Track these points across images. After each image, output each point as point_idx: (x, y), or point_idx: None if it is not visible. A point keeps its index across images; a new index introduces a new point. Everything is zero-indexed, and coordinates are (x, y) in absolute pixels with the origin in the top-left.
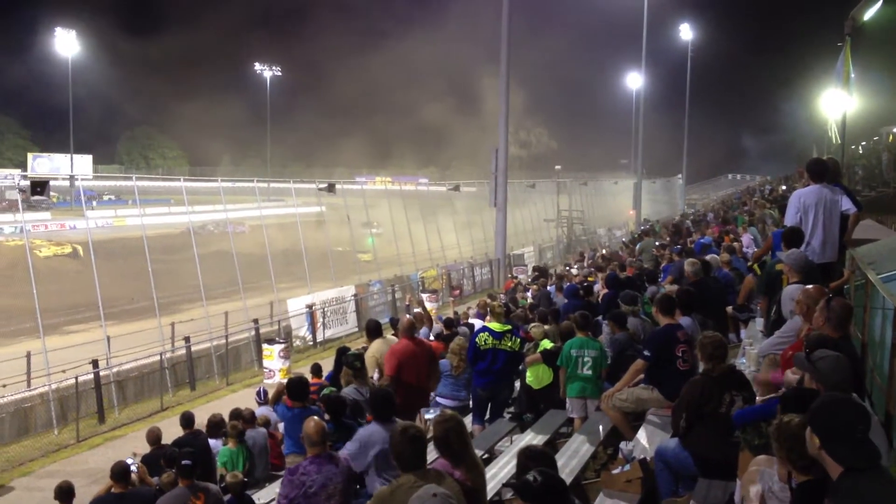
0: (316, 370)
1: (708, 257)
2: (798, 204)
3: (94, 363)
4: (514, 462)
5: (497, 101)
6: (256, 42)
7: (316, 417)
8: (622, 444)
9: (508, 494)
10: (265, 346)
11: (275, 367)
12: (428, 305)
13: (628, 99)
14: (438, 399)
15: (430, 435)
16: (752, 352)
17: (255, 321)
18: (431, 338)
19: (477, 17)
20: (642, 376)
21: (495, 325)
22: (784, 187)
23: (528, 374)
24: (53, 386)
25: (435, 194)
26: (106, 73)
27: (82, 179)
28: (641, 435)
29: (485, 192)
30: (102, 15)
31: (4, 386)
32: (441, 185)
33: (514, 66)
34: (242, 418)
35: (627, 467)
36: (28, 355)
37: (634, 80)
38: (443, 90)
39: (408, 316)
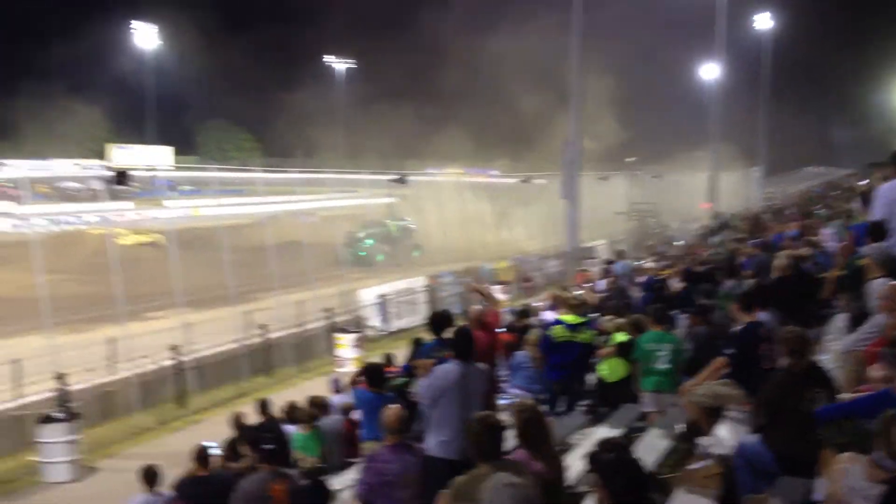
0: (388, 359)
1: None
2: (885, 198)
3: (174, 349)
4: (588, 454)
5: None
6: (331, 34)
7: (395, 406)
8: (701, 440)
9: (583, 486)
10: (337, 335)
11: (347, 355)
12: (500, 297)
13: (703, 90)
14: (514, 390)
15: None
16: (834, 348)
17: (328, 310)
18: (503, 330)
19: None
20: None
21: (570, 317)
22: (866, 181)
23: (602, 367)
24: (136, 371)
25: (506, 186)
26: (185, 66)
27: (162, 170)
28: (721, 430)
29: (556, 184)
30: (181, 9)
31: (89, 370)
32: (512, 176)
33: (585, 57)
34: (317, 405)
35: (706, 463)
36: (111, 341)
37: (710, 71)
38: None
39: (476, 307)
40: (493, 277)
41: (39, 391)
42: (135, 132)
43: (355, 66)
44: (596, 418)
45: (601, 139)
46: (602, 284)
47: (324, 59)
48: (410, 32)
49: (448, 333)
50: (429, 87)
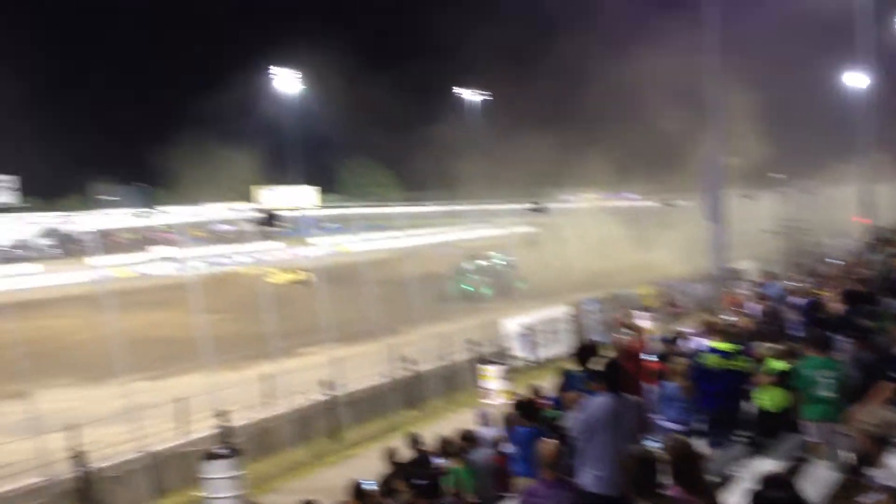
0: (536, 391)
1: None
2: None
3: (326, 385)
4: (746, 488)
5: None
6: (465, 67)
7: (551, 441)
8: (870, 471)
9: None
10: (483, 366)
11: (494, 387)
12: (646, 324)
13: (847, 99)
14: (665, 423)
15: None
16: None
17: (472, 342)
18: (653, 358)
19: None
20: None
21: (723, 345)
22: None
23: (761, 396)
24: (291, 407)
25: (646, 209)
26: (325, 106)
27: (307, 209)
28: (892, 460)
29: (698, 204)
30: (318, 52)
31: (248, 407)
32: (652, 199)
33: (724, 73)
34: (468, 439)
35: (878, 496)
36: (266, 377)
37: (856, 79)
38: (652, 102)
39: (622, 337)
40: (639, 304)
41: (203, 428)
42: (281, 174)
43: (490, 98)
44: (755, 449)
45: (744, 156)
46: (755, 308)
47: (457, 92)
48: (543, 62)
49: (594, 364)
50: (564, 114)
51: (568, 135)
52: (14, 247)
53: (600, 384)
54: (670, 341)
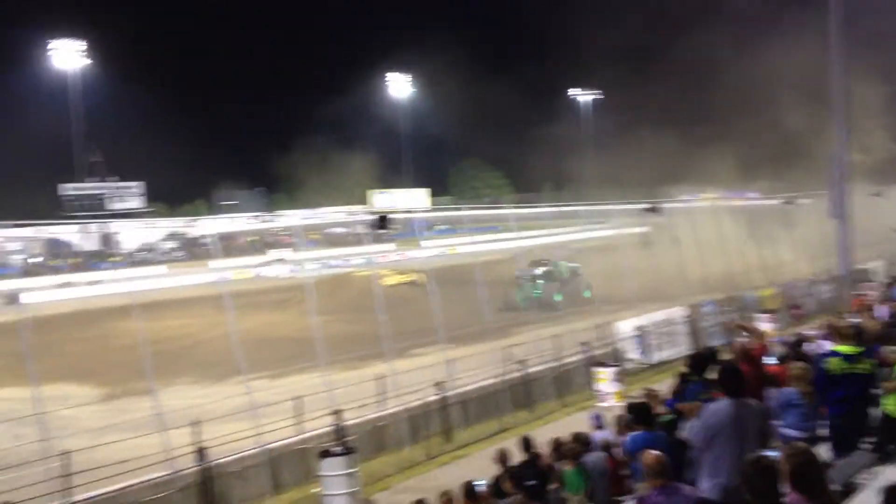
0: (650, 395)
1: None
2: None
3: (439, 385)
4: (874, 498)
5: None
6: (577, 68)
7: (655, 452)
8: None
9: None
10: (596, 369)
11: (607, 390)
12: (766, 327)
13: None
14: (785, 430)
15: None
16: None
17: (585, 344)
18: (774, 361)
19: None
20: None
21: (846, 348)
22: None
23: (888, 401)
24: (404, 406)
25: (767, 208)
26: (437, 110)
27: (419, 212)
28: None
29: (823, 203)
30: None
31: (362, 406)
32: (774, 198)
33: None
34: (581, 441)
35: None
36: (379, 377)
37: None
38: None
39: (741, 340)
40: (758, 306)
41: (319, 426)
42: (395, 177)
43: (603, 97)
44: (883, 457)
45: (872, 152)
46: (883, 310)
47: (572, 94)
48: (660, 60)
49: (711, 373)
50: (683, 113)
51: (687, 134)
52: (139, 250)
53: (719, 389)
54: (791, 344)
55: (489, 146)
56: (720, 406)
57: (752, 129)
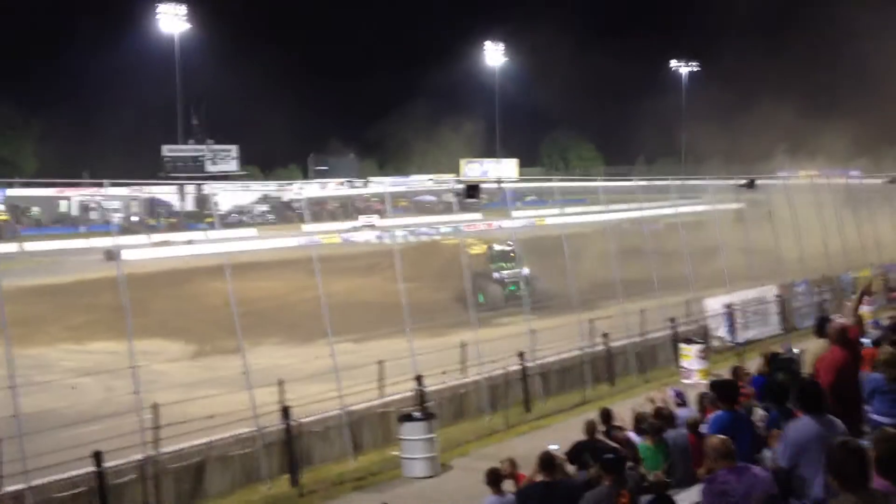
0: (736, 373)
1: None
2: None
3: (521, 355)
4: None
5: None
6: (675, 38)
7: (720, 435)
8: None
9: None
10: (682, 345)
11: (692, 367)
12: (864, 309)
13: None
14: (874, 416)
15: None
16: None
17: (672, 320)
18: (868, 343)
19: None
20: None
21: None
22: None
23: None
24: (486, 375)
25: (869, 187)
26: (531, 80)
27: (508, 182)
28: None
29: None
30: (526, 25)
31: (444, 373)
32: (876, 177)
33: None
34: (663, 417)
35: None
36: (463, 345)
37: None
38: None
39: (840, 320)
40: (855, 288)
41: (401, 391)
42: (487, 147)
43: (701, 70)
44: None
45: None
46: None
47: (670, 65)
48: (756, 33)
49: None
50: (778, 88)
51: (779, 109)
52: (232, 212)
53: (799, 408)
54: (887, 328)
55: (583, 118)
56: (800, 424)
57: (860, 106)
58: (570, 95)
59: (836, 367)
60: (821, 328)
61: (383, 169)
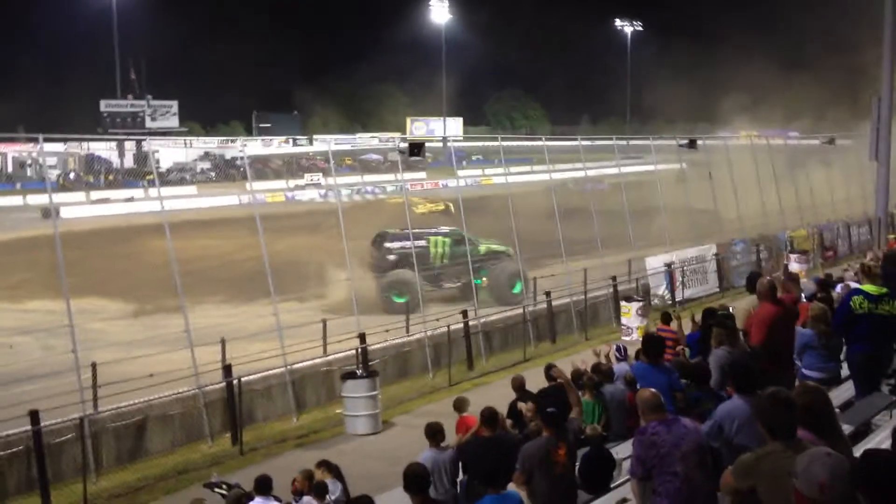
0: (666, 319)
1: None
2: None
3: (464, 313)
4: (889, 439)
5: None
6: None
7: (651, 388)
8: None
9: None
10: (623, 303)
11: (632, 324)
12: (797, 267)
13: None
14: (804, 370)
15: None
16: None
17: (613, 278)
18: (803, 298)
19: None
20: None
21: (870, 288)
22: None
23: None
24: (429, 333)
25: (806, 148)
26: (475, 39)
27: (453, 141)
28: None
29: (864, 145)
30: None
31: (387, 331)
32: (813, 137)
33: None
34: (600, 372)
35: None
36: (407, 304)
37: None
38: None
39: (768, 277)
40: (790, 246)
41: (343, 349)
42: (432, 105)
43: (645, 29)
44: None
45: None
46: None
47: (616, 24)
48: None
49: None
50: (722, 47)
51: (721, 69)
52: (172, 169)
53: (732, 387)
54: (824, 283)
55: (529, 77)
56: (735, 405)
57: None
58: (516, 54)
59: (767, 323)
60: (753, 285)
61: (327, 127)
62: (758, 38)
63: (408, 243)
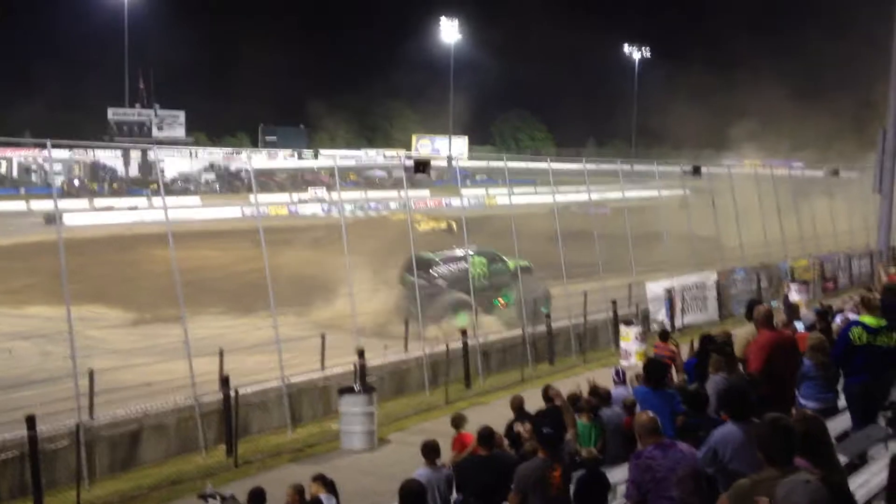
0: (663, 336)
1: None
2: None
3: (464, 333)
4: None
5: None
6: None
7: (649, 412)
8: None
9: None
10: (622, 327)
11: (631, 348)
12: (797, 296)
13: None
14: (801, 400)
15: None
16: None
17: (614, 302)
18: (801, 328)
19: None
20: None
21: (869, 320)
22: None
23: None
24: (427, 351)
25: (810, 179)
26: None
27: (458, 160)
28: None
29: (868, 177)
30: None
31: (386, 347)
32: (818, 168)
33: None
34: (599, 395)
35: None
36: (407, 322)
37: None
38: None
39: (766, 305)
40: (790, 275)
41: (342, 364)
42: (439, 124)
43: (654, 56)
44: None
45: None
46: None
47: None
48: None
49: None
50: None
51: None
52: (177, 179)
53: (725, 414)
54: (823, 314)
55: (536, 98)
56: (729, 430)
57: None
58: (524, 75)
59: (766, 350)
60: (752, 312)
61: (334, 142)
62: (770, 67)
63: (453, 266)
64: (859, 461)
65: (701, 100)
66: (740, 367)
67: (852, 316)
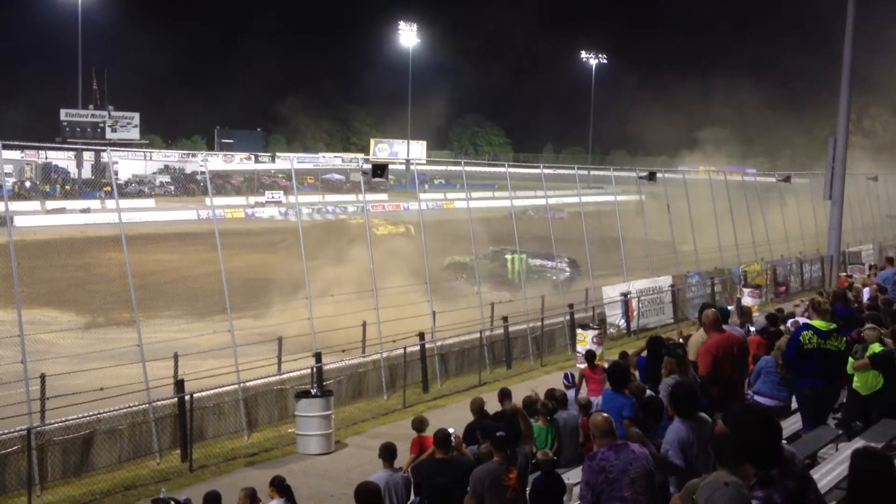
0: (622, 356)
1: None
2: None
3: (421, 336)
4: (837, 470)
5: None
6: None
7: (604, 413)
8: None
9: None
10: (579, 331)
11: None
12: (750, 301)
13: None
14: (756, 397)
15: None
16: None
17: (570, 306)
18: (752, 331)
19: None
20: None
21: (820, 324)
22: None
23: (855, 378)
24: (385, 354)
25: (763, 185)
26: (442, 64)
27: (416, 164)
28: None
29: (819, 183)
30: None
31: (343, 351)
32: (770, 175)
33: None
34: (554, 398)
35: None
36: (364, 325)
37: None
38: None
39: (713, 309)
40: (744, 280)
41: (298, 367)
42: (398, 128)
43: (612, 61)
44: (848, 433)
45: (873, 135)
46: (868, 292)
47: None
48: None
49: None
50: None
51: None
52: (131, 181)
53: (673, 409)
54: (773, 318)
55: (494, 104)
56: (676, 428)
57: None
58: (482, 81)
59: (713, 353)
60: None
61: (291, 145)
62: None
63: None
64: (809, 462)
65: (655, 107)
66: (692, 369)
67: (802, 320)
